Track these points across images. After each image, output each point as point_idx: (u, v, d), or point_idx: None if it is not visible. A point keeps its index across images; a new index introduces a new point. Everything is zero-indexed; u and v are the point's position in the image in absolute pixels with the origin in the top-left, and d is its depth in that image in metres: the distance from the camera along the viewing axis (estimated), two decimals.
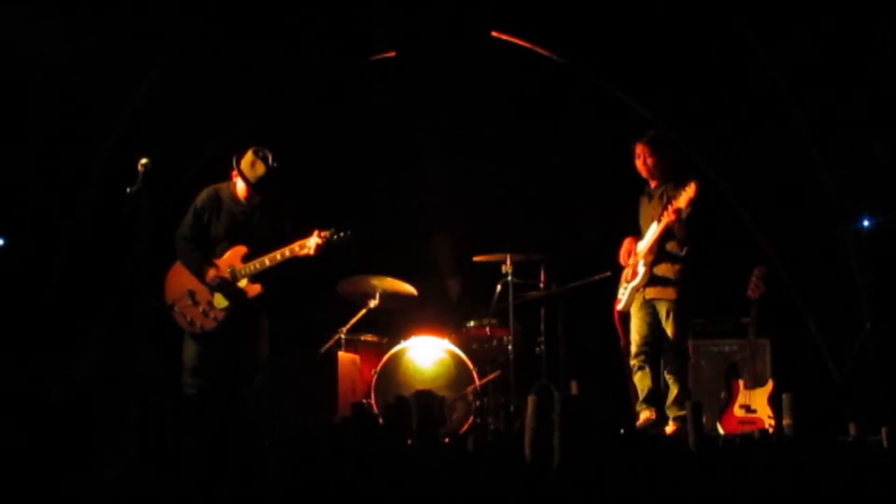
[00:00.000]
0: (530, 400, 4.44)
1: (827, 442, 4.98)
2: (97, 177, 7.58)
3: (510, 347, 7.17)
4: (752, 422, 6.36)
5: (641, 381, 6.33)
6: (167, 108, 7.43)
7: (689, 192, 5.96)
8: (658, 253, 6.26)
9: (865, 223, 7.31)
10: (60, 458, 4.42)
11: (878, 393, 6.82)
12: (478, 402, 7.04)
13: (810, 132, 7.33)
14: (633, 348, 6.38)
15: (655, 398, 6.30)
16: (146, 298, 6.07)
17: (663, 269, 6.26)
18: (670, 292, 6.22)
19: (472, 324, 7.51)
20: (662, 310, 6.27)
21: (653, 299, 6.30)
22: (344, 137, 7.94)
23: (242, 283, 6.05)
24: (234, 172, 6.13)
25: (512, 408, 6.91)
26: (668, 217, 6.08)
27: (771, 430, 6.14)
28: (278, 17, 7.61)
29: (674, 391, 6.23)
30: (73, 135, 7.56)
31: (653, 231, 6.27)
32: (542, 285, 7.33)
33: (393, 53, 7.96)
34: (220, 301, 6.05)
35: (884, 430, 4.84)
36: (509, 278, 7.22)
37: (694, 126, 7.37)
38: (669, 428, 6.18)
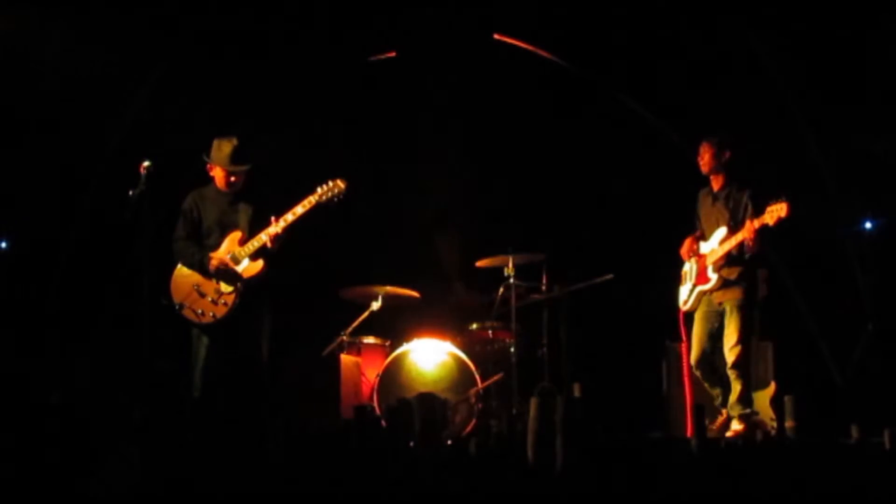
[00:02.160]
0: (533, 402, 4.44)
1: (829, 444, 4.99)
2: (99, 179, 7.59)
3: (512, 350, 7.17)
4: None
5: (713, 390, 6.37)
6: (169, 110, 7.44)
7: (781, 212, 5.91)
8: (726, 258, 6.29)
9: (867, 225, 7.31)
10: (61, 459, 4.43)
11: (880, 395, 6.82)
12: (480, 405, 7.03)
13: (812, 134, 7.34)
14: (694, 356, 6.39)
15: (727, 400, 6.32)
16: (149, 300, 6.07)
17: (727, 272, 6.28)
18: (737, 292, 6.24)
19: (474, 326, 7.50)
20: (728, 307, 6.27)
21: (721, 302, 6.32)
22: (344, 138, 7.94)
23: (244, 264, 6.08)
24: (209, 167, 6.19)
25: (514, 410, 6.89)
26: (746, 233, 6.08)
27: (773, 433, 6.14)
28: (279, 18, 7.62)
29: (737, 389, 6.21)
30: (74, 136, 7.56)
31: (722, 238, 6.28)
32: (544, 287, 7.34)
33: (393, 54, 7.97)
34: (227, 286, 6.09)
35: (886, 433, 4.85)
36: (511, 281, 7.23)
37: (694, 127, 7.36)
38: (738, 426, 6.16)
